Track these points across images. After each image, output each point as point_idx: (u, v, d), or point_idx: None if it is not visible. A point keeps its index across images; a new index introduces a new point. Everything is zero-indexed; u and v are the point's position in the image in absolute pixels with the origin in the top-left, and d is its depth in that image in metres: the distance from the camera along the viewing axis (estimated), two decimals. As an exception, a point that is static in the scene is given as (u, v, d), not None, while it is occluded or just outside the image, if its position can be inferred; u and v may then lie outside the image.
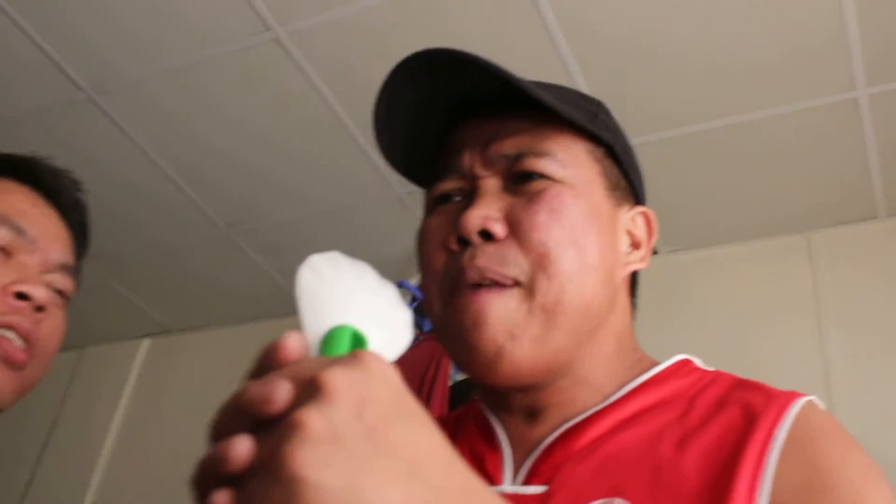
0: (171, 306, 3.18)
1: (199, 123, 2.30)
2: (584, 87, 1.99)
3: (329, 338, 0.50)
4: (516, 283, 0.73)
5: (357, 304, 0.53)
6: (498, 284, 0.73)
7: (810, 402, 0.73)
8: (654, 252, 0.87)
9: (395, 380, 0.47)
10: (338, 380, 0.43)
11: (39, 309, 0.99)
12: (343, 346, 0.50)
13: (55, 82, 2.21)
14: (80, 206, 1.12)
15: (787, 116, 2.05)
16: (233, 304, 3.09)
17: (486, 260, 0.73)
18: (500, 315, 0.72)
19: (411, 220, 2.44)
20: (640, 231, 0.84)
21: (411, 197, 2.46)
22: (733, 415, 0.72)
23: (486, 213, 0.75)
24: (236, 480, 0.43)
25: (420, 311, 2.15)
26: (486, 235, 0.74)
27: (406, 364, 0.58)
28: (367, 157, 2.33)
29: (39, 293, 0.98)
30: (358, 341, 0.51)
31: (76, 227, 1.11)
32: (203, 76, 2.15)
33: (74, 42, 2.10)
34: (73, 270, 1.08)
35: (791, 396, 0.73)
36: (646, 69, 1.97)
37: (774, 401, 0.71)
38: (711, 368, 0.82)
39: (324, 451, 0.41)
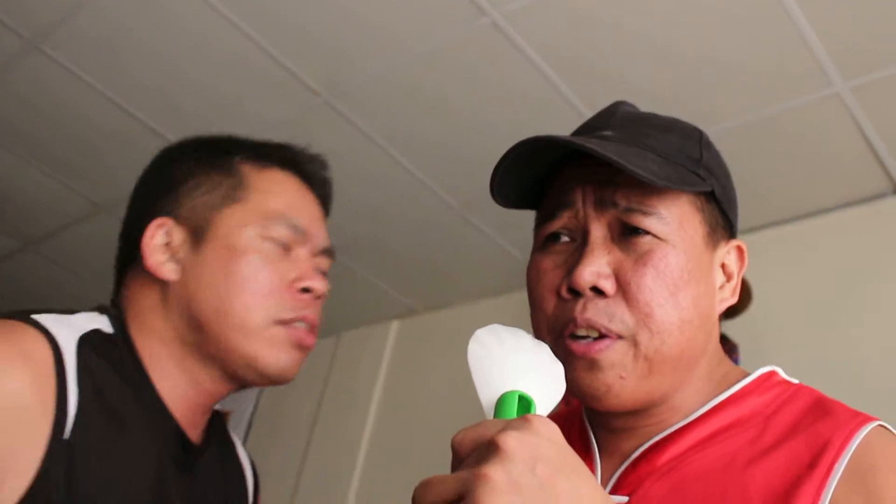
0: (415, 288, 3.35)
1: (425, 114, 2.39)
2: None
3: (501, 403, 0.63)
4: (620, 337, 0.80)
5: (519, 369, 0.66)
6: (604, 337, 0.81)
7: (879, 427, 0.75)
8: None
9: (559, 438, 0.58)
10: (513, 442, 0.55)
11: (318, 297, 1.09)
12: (513, 410, 0.63)
13: (294, 90, 2.40)
14: (328, 183, 1.19)
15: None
16: (471, 282, 3.21)
17: (595, 314, 0.81)
18: (612, 361, 0.80)
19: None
20: (733, 264, 0.90)
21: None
22: (800, 445, 0.75)
23: (598, 269, 0.81)
24: None
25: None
26: (597, 290, 0.81)
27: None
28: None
29: (320, 286, 1.07)
30: (524, 402, 0.64)
31: (326, 204, 1.18)
32: (422, 70, 2.23)
33: (305, 50, 2.26)
34: (332, 252, 1.15)
35: (860, 422, 0.75)
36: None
37: (842, 429, 0.74)
38: (795, 381, 0.87)
39: (507, 498, 0.53)
